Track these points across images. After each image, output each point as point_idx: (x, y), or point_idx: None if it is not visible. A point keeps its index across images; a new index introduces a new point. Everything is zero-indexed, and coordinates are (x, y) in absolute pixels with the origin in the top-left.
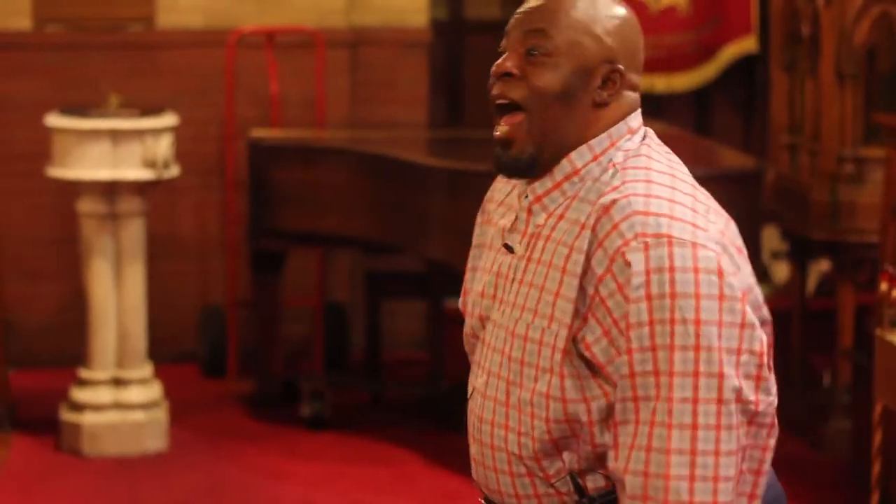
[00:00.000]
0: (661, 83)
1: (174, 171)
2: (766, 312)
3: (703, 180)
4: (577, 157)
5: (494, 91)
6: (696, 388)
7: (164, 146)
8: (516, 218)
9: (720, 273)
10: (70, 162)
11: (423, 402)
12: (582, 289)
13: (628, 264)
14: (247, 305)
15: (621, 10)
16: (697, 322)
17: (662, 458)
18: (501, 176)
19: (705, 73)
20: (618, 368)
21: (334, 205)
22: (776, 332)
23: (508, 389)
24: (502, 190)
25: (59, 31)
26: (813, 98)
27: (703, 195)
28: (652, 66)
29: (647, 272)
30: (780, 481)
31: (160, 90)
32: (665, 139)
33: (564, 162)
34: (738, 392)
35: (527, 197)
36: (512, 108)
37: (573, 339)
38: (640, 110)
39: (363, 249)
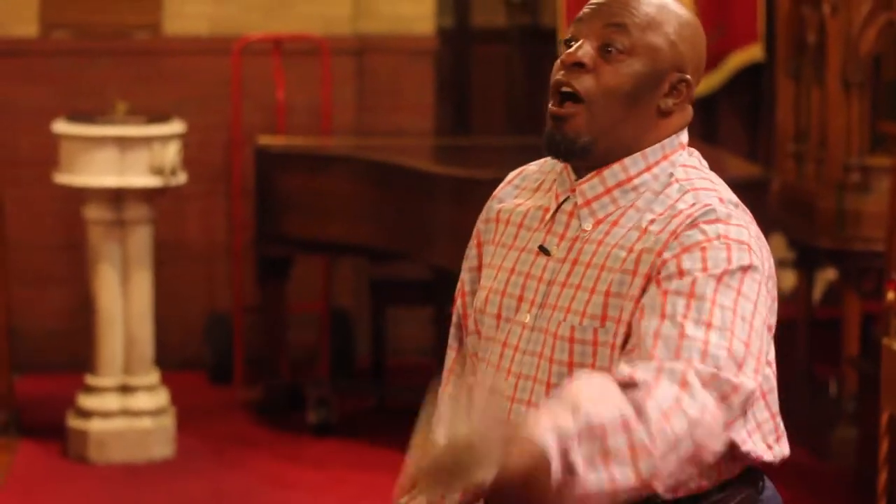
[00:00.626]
0: None
1: (181, 177)
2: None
3: None
4: (631, 164)
5: (560, 77)
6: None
7: (171, 153)
8: (553, 220)
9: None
10: (77, 169)
11: None
12: (646, 284)
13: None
14: (253, 312)
15: (693, 17)
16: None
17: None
18: (549, 154)
19: (711, 80)
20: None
21: (340, 212)
22: (782, 341)
23: (550, 393)
24: (513, 192)
25: (66, 37)
26: (819, 106)
27: (756, 229)
28: None
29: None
30: (787, 490)
31: (166, 97)
32: None
33: (616, 167)
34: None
35: (568, 198)
36: (574, 97)
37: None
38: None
39: (368, 256)
